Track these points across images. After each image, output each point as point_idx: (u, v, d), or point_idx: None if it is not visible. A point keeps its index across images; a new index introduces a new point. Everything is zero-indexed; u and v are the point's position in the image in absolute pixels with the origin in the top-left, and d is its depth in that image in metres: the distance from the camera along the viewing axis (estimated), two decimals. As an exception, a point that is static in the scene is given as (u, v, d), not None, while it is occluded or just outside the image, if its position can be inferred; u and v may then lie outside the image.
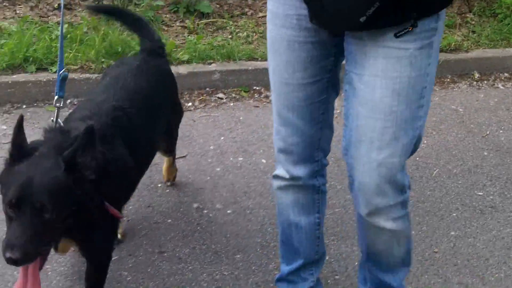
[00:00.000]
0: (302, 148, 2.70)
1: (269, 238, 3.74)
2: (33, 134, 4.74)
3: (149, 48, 3.60)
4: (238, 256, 3.59)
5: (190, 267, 3.49)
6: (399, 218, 2.58)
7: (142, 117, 3.12)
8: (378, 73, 2.29)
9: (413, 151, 2.51)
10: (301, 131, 2.65)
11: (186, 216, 3.91)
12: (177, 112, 3.87)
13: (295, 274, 3.04)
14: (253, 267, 3.50)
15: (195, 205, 4.02)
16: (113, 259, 3.05)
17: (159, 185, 4.19)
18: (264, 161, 4.55)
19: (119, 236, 3.49)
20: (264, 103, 5.42)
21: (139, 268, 3.43)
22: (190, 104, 5.33)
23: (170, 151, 3.96)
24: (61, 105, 2.84)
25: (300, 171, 2.76)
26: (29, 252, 2.32)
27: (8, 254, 2.28)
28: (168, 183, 4.13)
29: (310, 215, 2.91)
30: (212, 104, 5.36)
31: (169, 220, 3.87)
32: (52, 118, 2.77)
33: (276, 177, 2.84)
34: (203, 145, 4.70)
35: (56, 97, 2.85)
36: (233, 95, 5.52)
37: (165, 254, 3.58)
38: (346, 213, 3.96)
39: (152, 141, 3.36)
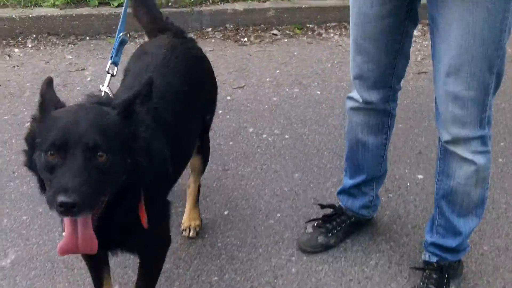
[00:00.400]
0: (376, 75, 2.86)
1: (325, 160, 3.95)
2: (97, 63, 5.02)
3: (172, 30, 3.06)
4: (297, 175, 3.81)
5: (252, 183, 3.72)
6: (479, 153, 2.70)
7: (175, 113, 2.61)
8: (455, 16, 2.42)
9: (495, 89, 2.63)
10: (376, 59, 2.81)
11: (246, 140, 4.14)
12: (214, 106, 3.28)
13: (357, 188, 3.25)
14: (311, 185, 3.72)
15: (254, 130, 4.24)
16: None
17: (220, 111, 4.41)
18: (318, 92, 4.74)
19: None
20: (318, 40, 5.59)
21: (204, 183, 3.67)
22: (245, 39, 5.52)
23: (205, 154, 3.32)
24: (114, 74, 2.55)
25: (373, 96, 2.94)
26: (87, 197, 1.88)
27: (61, 198, 1.83)
28: (189, 233, 3.33)
29: (378, 136, 3.10)
30: (267, 40, 5.54)
31: (231, 142, 4.11)
32: (100, 86, 2.45)
33: (351, 98, 3.03)
34: (259, 77, 4.91)
35: (109, 62, 2.57)
36: (287, 32, 5.69)
37: (229, 171, 3.82)
38: (399, 140, 4.14)
39: (190, 139, 2.90)
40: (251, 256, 3.20)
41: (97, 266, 2.67)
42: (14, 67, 4.95)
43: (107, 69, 2.54)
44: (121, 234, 2.30)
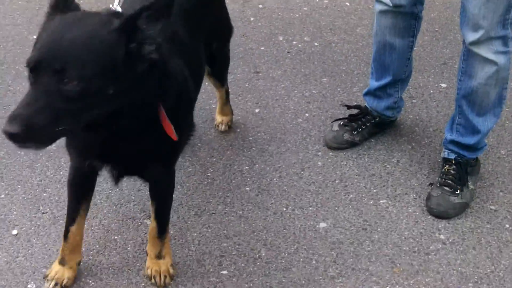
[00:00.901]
0: None
1: (353, 67, 4.11)
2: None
3: None
4: (325, 79, 3.98)
5: (282, 85, 3.91)
6: (500, 53, 2.86)
7: (186, 32, 2.53)
8: None
9: None
10: None
11: (277, 45, 4.30)
12: (222, 29, 3.15)
13: (382, 89, 3.42)
14: (338, 89, 3.90)
15: (285, 37, 4.39)
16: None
17: (252, 18, 4.55)
18: (347, 4, 4.86)
19: None
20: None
21: (236, 83, 3.85)
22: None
23: (218, 77, 3.29)
24: None
25: (403, 0, 3.08)
26: (34, 129, 1.76)
27: (6, 127, 1.75)
28: (221, 127, 3.50)
29: (405, 38, 3.25)
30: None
31: (262, 48, 4.28)
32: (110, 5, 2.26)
33: (379, 1, 3.16)
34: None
35: None
36: None
37: (260, 74, 4.00)
38: (424, 50, 4.28)
39: (199, 60, 2.77)
40: (280, 149, 3.41)
41: (78, 194, 2.53)
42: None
43: None
44: (132, 152, 2.20)
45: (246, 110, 3.68)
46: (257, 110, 3.68)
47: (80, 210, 2.54)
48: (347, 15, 4.70)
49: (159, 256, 2.65)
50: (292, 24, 4.55)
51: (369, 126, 3.48)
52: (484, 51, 2.83)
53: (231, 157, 3.35)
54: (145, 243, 2.75)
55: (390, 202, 3.12)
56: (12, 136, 1.75)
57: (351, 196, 3.14)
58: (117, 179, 2.39)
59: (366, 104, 3.52)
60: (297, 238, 2.90)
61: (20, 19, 4.49)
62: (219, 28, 3.05)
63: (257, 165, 3.30)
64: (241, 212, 3.02)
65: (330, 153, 3.41)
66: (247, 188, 3.16)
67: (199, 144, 3.40)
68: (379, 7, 3.20)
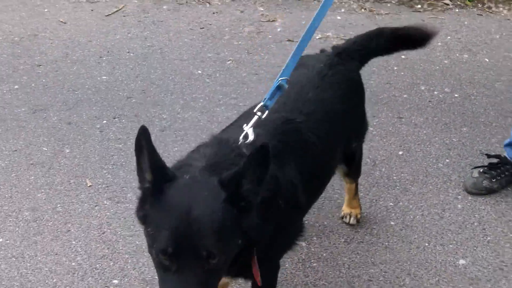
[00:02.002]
0: None
1: (491, 119, 4.35)
2: (285, 16, 5.59)
3: (342, 48, 2.99)
4: (465, 129, 4.25)
5: (424, 131, 4.20)
6: None
7: (320, 134, 2.56)
8: None
9: None
10: None
11: (419, 94, 4.61)
12: (362, 128, 3.18)
13: (523, 142, 3.67)
14: (478, 139, 4.15)
15: (426, 87, 4.69)
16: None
17: (395, 68, 4.89)
18: (487, 60, 5.11)
19: None
20: (487, 12, 5.91)
21: (382, 127, 4.18)
22: (419, 6, 5.93)
23: (353, 175, 3.32)
24: (262, 117, 2.37)
25: None
26: None
27: None
28: (349, 220, 3.46)
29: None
30: (439, 8, 5.92)
31: (405, 95, 4.59)
32: (245, 125, 2.32)
33: None
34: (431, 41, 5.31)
35: (260, 104, 2.42)
36: (458, 2, 6.04)
37: (403, 119, 4.31)
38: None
39: (330, 164, 2.82)
40: (422, 190, 3.69)
41: None
42: (213, 13, 5.62)
43: (255, 110, 2.38)
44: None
45: (390, 152, 3.98)
46: (400, 153, 3.98)
47: None
48: (486, 70, 4.94)
49: None
50: (433, 75, 4.84)
51: (507, 175, 3.71)
52: None
53: (376, 193, 3.66)
54: None
55: (526, 247, 3.33)
56: None
57: (489, 238, 3.38)
58: None
59: (505, 155, 3.75)
60: (438, 272, 3.16)
61: (186, 55, 5.01)
62: (359, 127, 3.10)
63: (400, 203, 3.59)
64: (386, 243, 3.32)
65: (469, 198, 3.65)
66: (392, 223, 3.46)
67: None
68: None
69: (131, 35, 5.20)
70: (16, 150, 3.93)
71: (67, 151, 3.92)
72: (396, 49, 3.19)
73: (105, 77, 4.64)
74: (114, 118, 4.19)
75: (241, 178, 1.97)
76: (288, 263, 3.19)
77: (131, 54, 4.94)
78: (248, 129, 2.29)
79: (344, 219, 3.47)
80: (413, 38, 3.12)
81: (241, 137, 2.27)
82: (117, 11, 5.48)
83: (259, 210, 2.05)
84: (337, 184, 3.59)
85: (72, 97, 4.40)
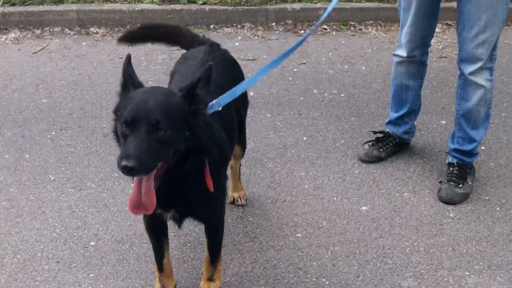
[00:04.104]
0: (419, 37, 4.27)
1: (372, 110, 5.35)
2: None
3: (208, 43, 3.62)
4: (352, 118, 5.22)
5: (321, 122, 5.14)
6: (489, 81, 4.12)
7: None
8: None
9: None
10: (419, 25, 4.20)
11: (313, 96, 5.55)
12: (246, 101, 3.81)
13: (400, 119, 4.63)
14: (364, 124, 5.12)
15: (318, 91, 5.65)
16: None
17: (290, 78, 5.84)
18: (364, 68, 6.16)
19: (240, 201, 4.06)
20: (359, 33, 7.02)
21: (287, 121, 5.07)
22: (302, 31, 6.95)
23: (242, 143, 3.89)
24: None
25: (415, 52, 4.34)
26: (143, 162, 2.44)
27: (124, 162, 2.41)
28: (239, 203, 4.10)
29: (416, 79, 4.49)
30: (319, 32, 6.98)
31: (301, 98, 5.52)
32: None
33: (396, 55, 4.42)
34: (317, 57, 6.33)
35: None
36: (334, 27, 7.12)
37: (303, 115, 5.24)
38: (426, 99, 5.53)
39: (233, 125, 3.44)
40: (325, 163, 4.59)
41: (159, 238, 3.18)
42: (128, 45, 6.37)
43: None
44: (187, 198, 2.87)
45: (296, 138, 4.88)
46: (304, 138, 4.88)
47: (164, 246, 3.20)
48: (364, 76, 5.98)
49: (211, 279, 3.30)
50: (322, 81, 5.81)
51: (391, 145, 4.68)
52: (478, 79, 4.09)
53: (290, 167, 4.53)
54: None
55: (411, 194, 4.29)
56: (130, 169, 2.42)
57: (382, 191, 4.30)
58: (179, 222, 3.07)
59: (388, 130, 4.74)
60: (347, 216, 4.04)
61: (111, 79, 5.73)
62: (243, 97, 3.65)
63: (310, 172, 4.48)
64: (304, 200, 4.17)
65: (364, 165, 4.59)
66: (306, 186, 4.32)
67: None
68: (396, 59, 4.46)
69: (59, 67, 5.87)
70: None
71: (27, 156, 4.53)
72: None
73: (45, 100, 5.28)
74: (61, 129, 4.85)
75: (196, 85, 2.63)
76: (230, 219, 3.95)
77: (63, 82, 5.60)
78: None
79: (236, 203, 4.07)
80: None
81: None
82: (42, 49, 6.14)
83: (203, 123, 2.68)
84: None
85: (20, 117, 5.01)
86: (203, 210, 3.02)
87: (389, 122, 4.73)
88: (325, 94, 5.61)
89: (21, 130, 4.84)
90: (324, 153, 4.72)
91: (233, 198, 4.07)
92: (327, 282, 3.53)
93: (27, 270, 3.53)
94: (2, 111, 5.09)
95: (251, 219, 4.00)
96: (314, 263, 3.66)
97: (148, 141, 2.46)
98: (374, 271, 3.62)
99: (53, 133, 4.81)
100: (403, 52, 4.38)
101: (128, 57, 2.70)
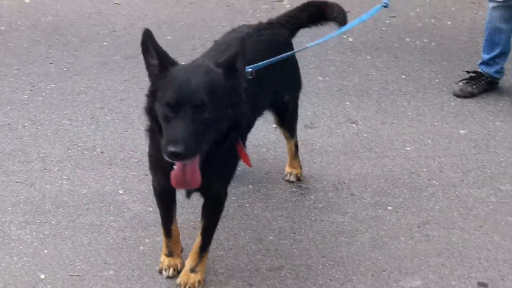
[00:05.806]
0: None
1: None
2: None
3: (274, 19, 3.56)
4: (445, 63, 5.77)
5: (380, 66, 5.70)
6: None
7: (252, 86, 2.92)
8: None
9: None
10: None
11: (405, 45, 6.12)
12: (292, 84, 3.66)
13: (492, 60, 5.19)
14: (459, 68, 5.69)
15: (408, 39, 6.22)
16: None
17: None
18: (449, 23, 6.69)
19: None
20: None
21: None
22: None
23: (286, 127, 3.75)
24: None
25: None
26: (191, 147, 2.36)
27: (171, 148, 2.34)
28: (288, 178, 3.96)
29: (508, 23, 5.04)
30: None
31: (396, 44, 6.10)
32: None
33: (492, 0, 4.97)
34: (406, 12, 6.87)
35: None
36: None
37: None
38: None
39: (257, 112, 3.27)
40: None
41: (168, 204, 3.09)
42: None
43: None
44: (209, 172, 2.67)
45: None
46: (403, 76, 5.47)
47: (172, 212, 3.12)
48: (450, 29, 6.52)
49: (193, 270, 3.05)
50: (413, 32, 6.38)
51: (483, 84, 5.25)
52: None
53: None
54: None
55: (503, 123, 4.85)
56: (178, 155, 2.36)
57: (476, 119, 4.88)
58: (188, 193, 2.96)
59: (480, 70, 5.31)
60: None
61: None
62: (288, 81, 3.56)
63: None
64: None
65: (458, 100, 5.16)
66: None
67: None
68: (491, 4, 5.02)
69: (175, 11, 6.54)
70: None
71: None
72: (319, 21, 3.72)
73: (169, 37, 5.98)
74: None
75: (235, 59, 2.55)
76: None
77: (182, 23, 6.27)
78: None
79: (285, 178, 3.96)
80: (329, 13, 3.66)
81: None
82: (157, -4, 6.82)
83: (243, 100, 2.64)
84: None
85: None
86: (216, 185, 2.94)
87: (482, 63, 5.29)
88: (417, 42, 6.18)
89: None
90: (422, 89, 5.31)
91: (288, 174, 3.96)
92: (436, 183, 4.13)
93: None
94: (135, 43, 5.77)
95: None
96: (424, 169, 4.27)
97: (194, 124, 2.40)
98: (476, 177, 4.21)
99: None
100: (500, -4, 4.93)
101: (150, 33, 2.58)
